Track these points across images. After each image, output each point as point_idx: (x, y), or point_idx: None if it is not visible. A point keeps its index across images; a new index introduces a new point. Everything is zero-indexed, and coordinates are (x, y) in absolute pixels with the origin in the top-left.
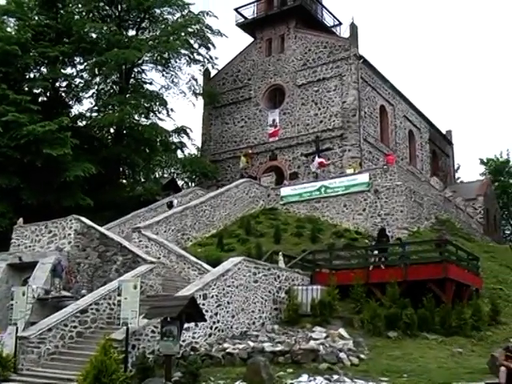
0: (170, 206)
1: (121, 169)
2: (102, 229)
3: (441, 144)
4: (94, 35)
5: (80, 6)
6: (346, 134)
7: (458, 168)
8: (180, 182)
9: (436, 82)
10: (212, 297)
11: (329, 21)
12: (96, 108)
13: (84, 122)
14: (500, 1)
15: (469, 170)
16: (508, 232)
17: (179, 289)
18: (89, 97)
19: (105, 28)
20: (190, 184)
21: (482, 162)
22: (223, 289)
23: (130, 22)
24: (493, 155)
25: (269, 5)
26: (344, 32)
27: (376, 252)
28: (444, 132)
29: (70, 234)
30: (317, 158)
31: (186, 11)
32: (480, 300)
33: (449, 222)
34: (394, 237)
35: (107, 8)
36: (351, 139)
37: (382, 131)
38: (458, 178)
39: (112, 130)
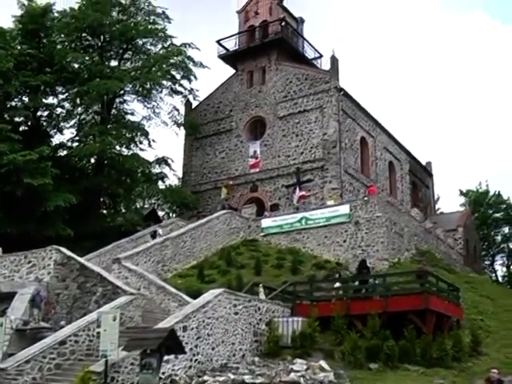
0: (154, 236)
1: (101, 199)
2: (81, 259)
3: (421, 175)
4: (76, 65)
5: (63, 35)
6: (327, 165)
7: (438, 199)
8: (161, 213)
9: (416, 113)
10: (192, 329)
11: (310, 53)
12: (77, 138)
13: (65, 152)
14: (479, 35)
15: (449, 201)
16: (488, 263)
17: (159, 320)
18: (70, 127)
19: (87, 58)
20: (170, 215)
21: (461, 193)
22: (203, 321)
23: (112, 52)
24: (472, 186)
25: (250, 37)
26: (325, 64)
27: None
28: (424, 163)
29: (49, 265)
30: (297, 190)
31: (169, 43)
32: (461, 331)
33: (429, 253)
34: (374, 268)
35: (90, 38)
36: (332, 171)
37: (362, 163)
38: (438, 209)
39: (93, 161)
